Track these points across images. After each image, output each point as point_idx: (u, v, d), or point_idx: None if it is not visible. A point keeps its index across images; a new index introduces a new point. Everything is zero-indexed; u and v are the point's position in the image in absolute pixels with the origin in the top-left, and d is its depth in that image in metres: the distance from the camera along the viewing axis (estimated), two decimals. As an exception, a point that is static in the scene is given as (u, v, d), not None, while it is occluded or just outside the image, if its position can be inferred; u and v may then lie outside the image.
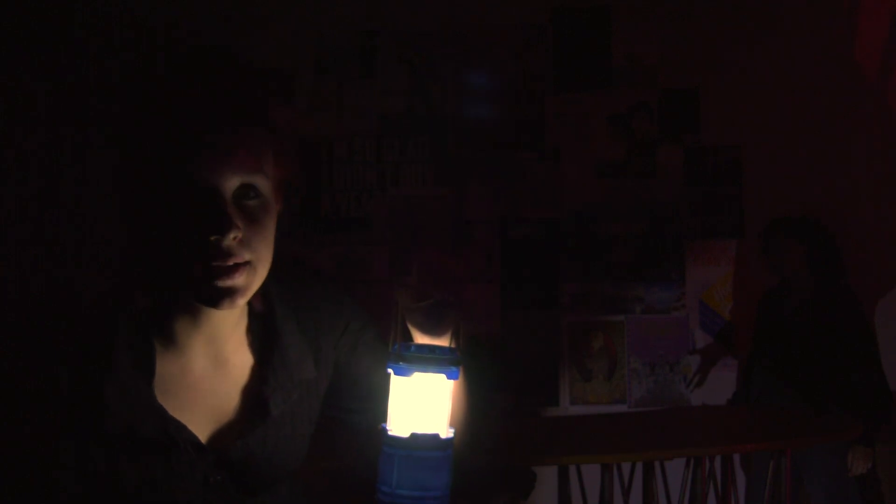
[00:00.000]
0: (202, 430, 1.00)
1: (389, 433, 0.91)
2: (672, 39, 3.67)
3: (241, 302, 0.93)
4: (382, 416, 0.94)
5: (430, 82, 3.65)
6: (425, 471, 0.89)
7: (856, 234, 3.31)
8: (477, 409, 1.10)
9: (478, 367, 1.08)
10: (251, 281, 0.93)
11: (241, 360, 1.04)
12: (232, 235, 0.89)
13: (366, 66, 3.66)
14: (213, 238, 0.88)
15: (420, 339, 0.99)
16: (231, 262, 0.90)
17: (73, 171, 3.32)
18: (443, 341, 0.98)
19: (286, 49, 3.61)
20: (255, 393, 1.03)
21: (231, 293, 0.91)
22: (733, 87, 3.65)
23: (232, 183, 0.90)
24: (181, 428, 0.97)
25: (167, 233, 0.90)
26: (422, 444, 0.90)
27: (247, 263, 0.92)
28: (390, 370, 0.92)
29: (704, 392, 3.62)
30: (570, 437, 2.87)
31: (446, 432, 0.93)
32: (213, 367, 1.02)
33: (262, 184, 0.93)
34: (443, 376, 0.92)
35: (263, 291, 1.01)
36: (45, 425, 0.95)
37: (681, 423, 3.27)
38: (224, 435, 1.01)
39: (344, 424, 1.14)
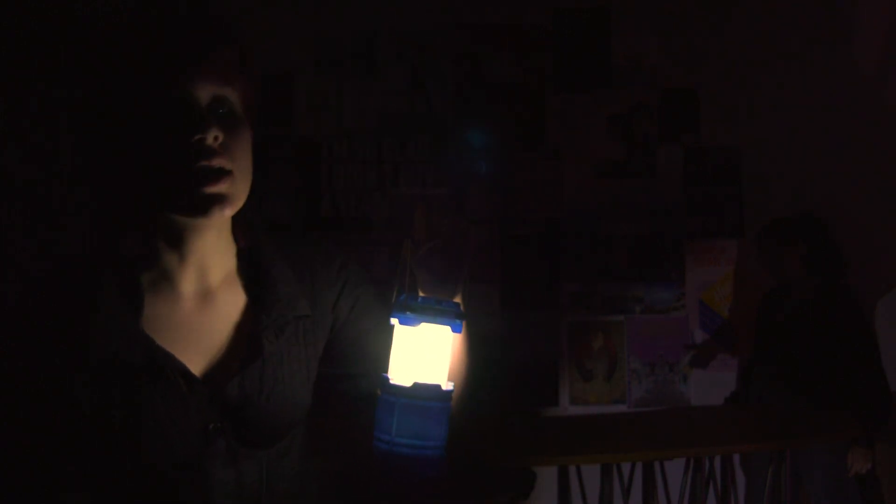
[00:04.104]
0: (194, 366, 0.99)
1: (391, 382, 0.91)
2: (672, 39, 3.67)
3: (229, 212, 0.96)
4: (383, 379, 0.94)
5: (430, 82, 3.65)
6: (425, 420, 0.89)
7: (856, 234, 3.31)
8: (475, 370, 1.10)
9: (478, 332, 1.09)
10: (235, 190, 0.96)
11: (232, 299, 1.05)
12: (213, 135, 0.92)
13: (366, 66, 3.66)
14: (195, 138, 0.91)
15: (426, 294, 0.99)
16: (216, 164, 0.93)
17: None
18: (447, 297, 0.99)
19: (286, 49, 3.61)
20: (248, 331, 1.03)
21: (219, 200, 0.94)
22: (733, 87, 3.65)
23: (205, 92, 0.94)
24: (169, 357, 0.97)
25: (147, 147, 0.92)
26: (423, 394, 0.90)
27: (229, 173, 0.95)
28: (395, 319, 0.92)
29: (704, 392, 3.62)
30: (570, 437, 2.87)
31: (446, 384, 0.93)
32: (203, 304, 1.03)
33: (234, 98, 0.97)
34: (448, 329, 0.93)
35: (249, 228, 1.06)
36: (22, 361, 0.97)
37: (681, 423, 3.27)
38: (217, 373, 1.01)
39: (345, 393, 1.13)
